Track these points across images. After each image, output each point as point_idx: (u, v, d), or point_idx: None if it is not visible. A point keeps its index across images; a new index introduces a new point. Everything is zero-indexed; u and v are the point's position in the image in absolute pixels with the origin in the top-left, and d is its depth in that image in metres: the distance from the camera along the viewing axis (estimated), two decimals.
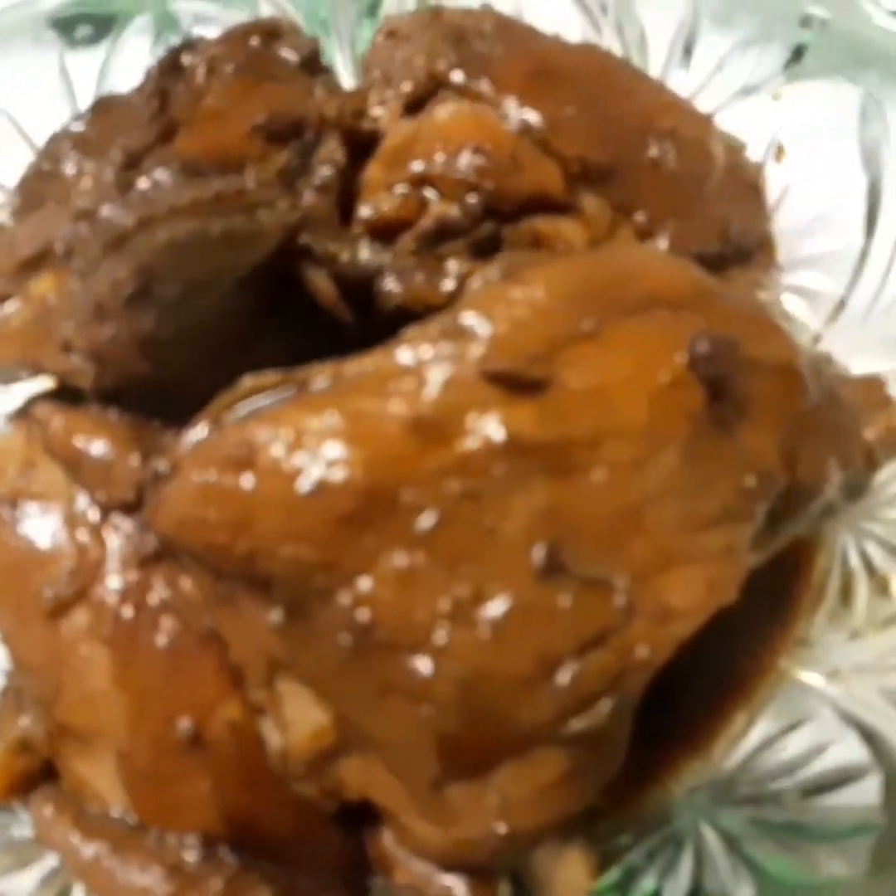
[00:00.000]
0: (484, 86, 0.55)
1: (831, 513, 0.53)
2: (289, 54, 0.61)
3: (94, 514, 0.45)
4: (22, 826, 0.48)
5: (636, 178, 0.55)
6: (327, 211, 0.51)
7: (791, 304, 0.66)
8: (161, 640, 0.43)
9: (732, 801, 0.50)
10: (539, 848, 0.44)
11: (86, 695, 0.44)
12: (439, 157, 0.54)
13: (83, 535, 0.45)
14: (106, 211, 0.46)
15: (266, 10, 0.71)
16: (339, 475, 0.39)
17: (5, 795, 0.46)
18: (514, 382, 0.41)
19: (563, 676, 0.39)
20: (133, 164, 0.52)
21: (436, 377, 0.41)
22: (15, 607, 0.45)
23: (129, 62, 0.67)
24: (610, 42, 0.71)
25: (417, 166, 0.54)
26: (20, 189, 0.57)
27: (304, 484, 0.39)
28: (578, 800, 0.42)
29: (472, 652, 0.39)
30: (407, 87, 0.56)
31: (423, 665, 0.39)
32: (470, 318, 0.42)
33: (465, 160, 0.53)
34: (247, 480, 0.39)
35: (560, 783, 0.41)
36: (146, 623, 0.44)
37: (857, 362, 0.57)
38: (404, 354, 0.42)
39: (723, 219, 0.57)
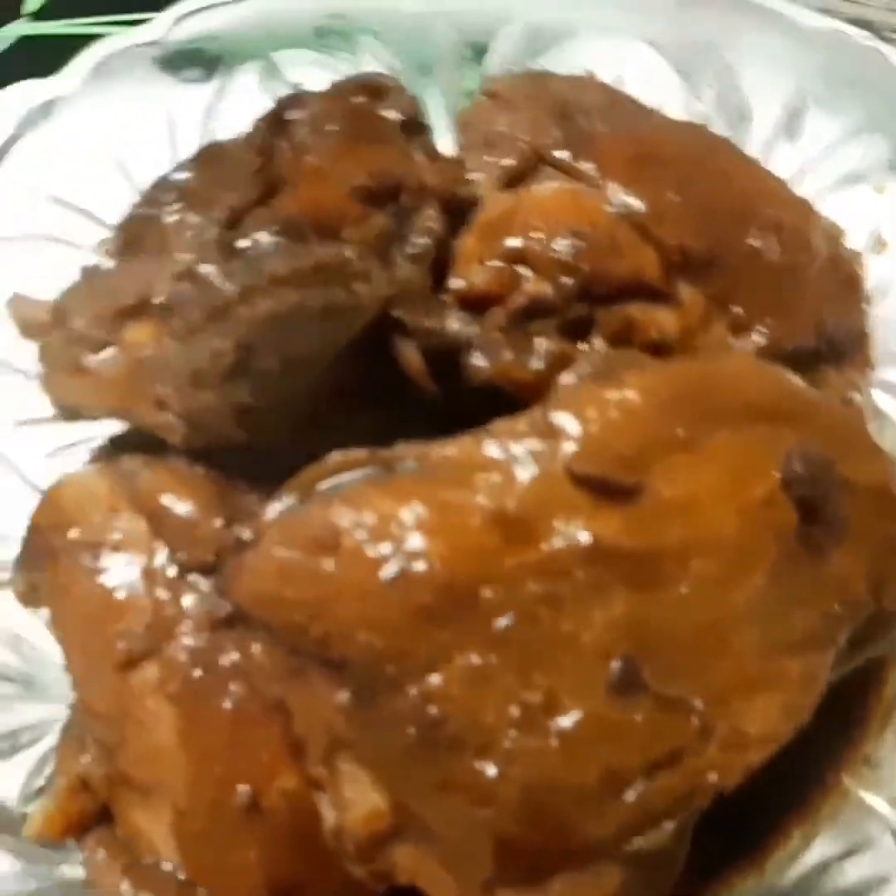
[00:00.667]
0: (587, 167, 0.55)
1: None
2: (391, 114, 0.62)
3: (172, 571, 0.45)
4: (74, 866, 0.48)
5: (734, 268, 0.54)
6: (420, 282, 0.52)
7: (883, 400, 0.65)
8: (227, 703, 0.44)
9: None
10: None
11: (149, 749, 0.44)
12: (536, 235, 0.54)
13: (161, 592, 0.45)
14: (209, 275, 0.47)
15: (367, 59, 0.72)
16: (419, 567, 0.39)
17: (62, 834, 0.47)
18: (603, 487, 0.40)
19: (630, 795, 0.38)
20: (235, 222, 0.53)
21: (523, 474, 0.41)
22: (87, 654, 0.46)
23: (234, 104, 0.68)
24: (711, 114, 0.70)
25: (513, 242, 0.54)
26: (120, 231, 0.58)
27: (385, 573, 0.39)
28: None
29: (538, 760, 0.38)
30: (509, 160, 0.56)
31: (488, 768, 0.38)
32: (561, 417, 0.42)
33: (563, 241, 0.53)
34: (328, 563, 0.39)
35: None
36: (214, 685, 0.44)
37: None
38: (492, 447, 0.42)
39: (819, 313, 0.56)
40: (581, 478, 0.40)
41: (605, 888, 0.40)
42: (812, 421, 0.44)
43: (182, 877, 0.44)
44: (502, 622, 0.39)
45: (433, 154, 0.61)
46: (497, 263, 0.55)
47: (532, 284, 0.54)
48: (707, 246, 0.53)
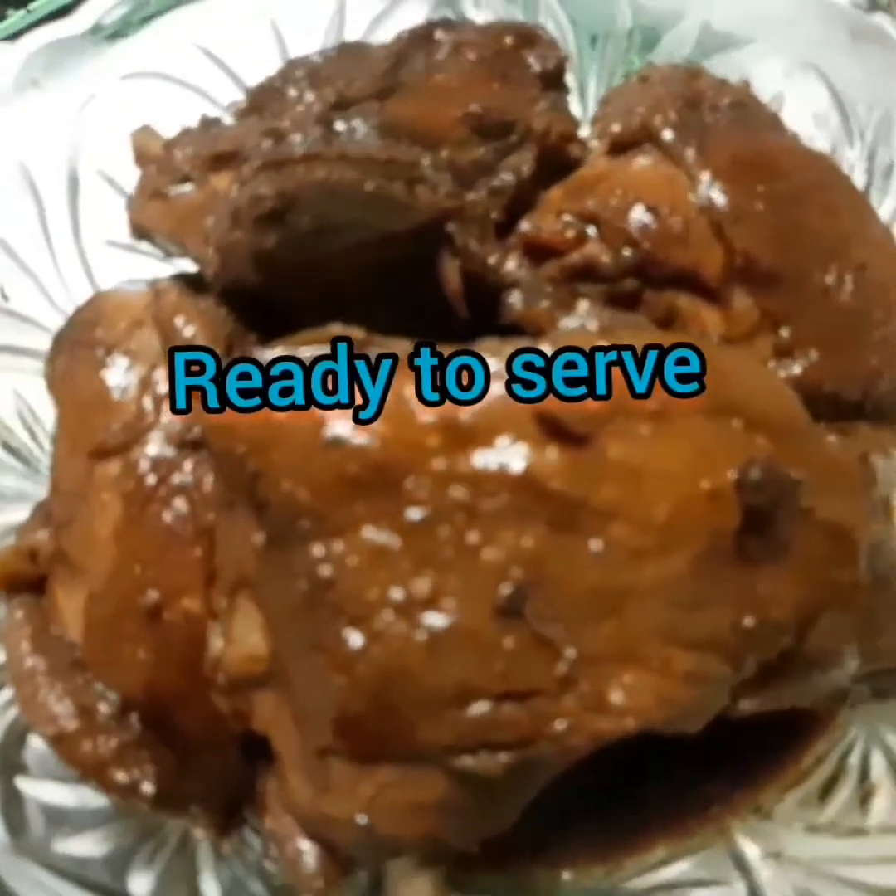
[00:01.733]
0: (689, 153, 0.54)
1: (844, 700, 0.50)
2: (534, 62, 0.63)
3: (163, 387, 0.48)
4: None
5: (799, 295, 0.53)
6: (484, 211, 0.53)
7: None
8: (167, 516, 0.47)
9: None
10: (397, 859, 0.44)
11: (89, 534, 0.48)
12: (614, 202, 0.54)
13: (147, 401, 0.48)
14: (289, 137, 0.50)
15: (543, 17, 0.73)
16: (359, 440, 0.41)
17: None
18: (554, 427, 0.41)
19: (473, 711, 0.39)
20: (342, 107, 0.56)
21: (487, 390, 0.42)
22: (69, 437, 0.50)
23: (402, 20, 0.71)
24: (856, 162, 0.68)
25: (591, 203, 0.55)
26: (249, 95, 0.62)
27: (326, 434, 0.41)
28: (444, 833, 0.42)
29: (401, 648, 0.39)
30: (616, 127, 0.57)
31: (355, 639, 0.40)
32: (545, 351, 0.43)
33: (637, 214, 0.53)
34: (280, 413, 0.41)
35: (432, 809, 0.41)
36: (162, 497, 0.47)
37: None
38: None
39: (875, 371, 0.54)
40: (539, 412, 0.41)
41: (425, 793, 0.41)
42: (796, 444, 0.43)
43: (77, 655, 0.48)
44: (417, 514, 0.40)
45: (562, 111, 0.63)
46: (570, 219, 0.56)
47: (593, 247, 0.54)
48: (776, 262, 0.52)
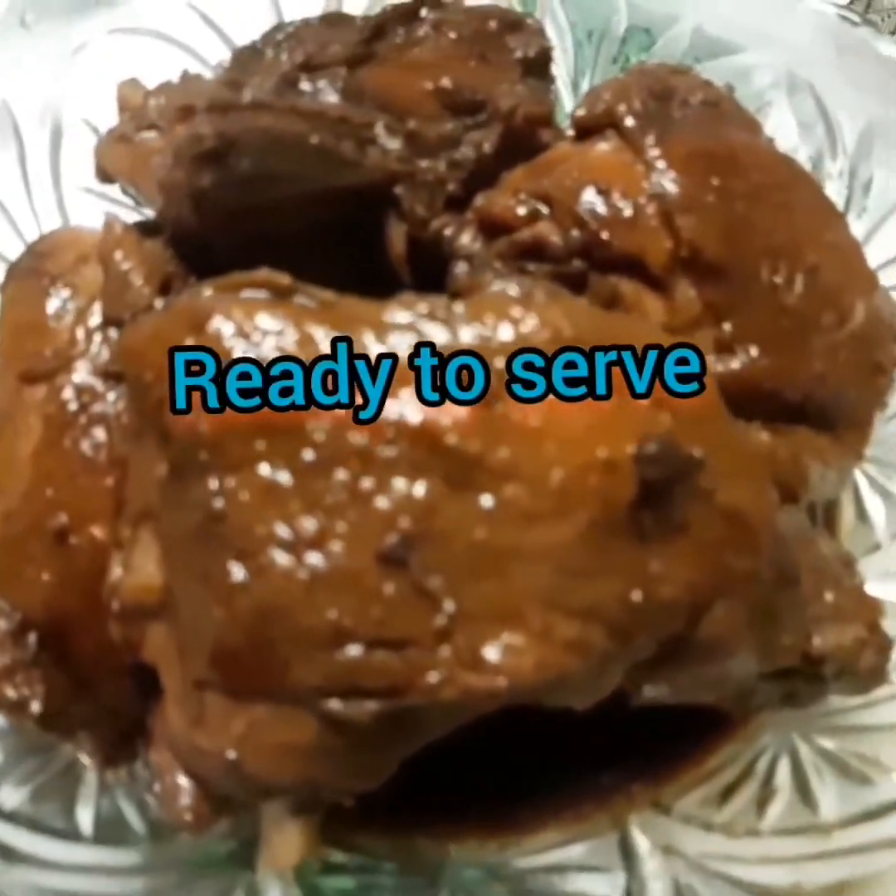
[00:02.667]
0: (648, 141, 0.54)
1: (749, 700, 0.49)
2: (517, 47, 0.64)
3: (96, 319, 0.49)
4: None
5: (745, 290, 0.53)
6: (437, 179, 0.53)
7: (873, 505, 0.61)
8: (84, 444, 0.48)
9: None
10: (269, 802, 0.44)
11: (9, 454, 0.48)
12: (568, 183, 0.54)
13: (80, 331, 0.49)
14: (244, 86, 0.50)
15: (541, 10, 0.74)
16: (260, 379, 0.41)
17: None
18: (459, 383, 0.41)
19: (345, 654, 0.39)
20: (310, 68, 0.56)
21: (395, 341, 0.42)
22: (4, 358, 0.51)
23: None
24: (837, 174, 0.68)
25: (547, 183, 0.55)
26: (233, 57, 0.63)
27: (231, 368, 0.41)
28: (314, 778, 0.42)
29: (281, 584, 0.40)
30: (580, 112, 0.57)
31: (238, 572, 0.40)
32: (458, 309, 0.43)
33: (588, 196, 0.53)
34: (188, 340, 0.42)
35: (300, 752, 0.41)
36: (81, 424, 0.48)
37: None
38: (386, 311, 0.43)
39: (818, 375, 0.54)
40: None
41: (295, 735, 0.41)
42: (699, 424, 0.43)
43: None
44: (313, 455, 0.41)
45: (537, 95, 0.63)
46: (524, 198, 0.56)
47: (543, 226, 0.55)
48: (723, 255, 0.52)
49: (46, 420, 0.48)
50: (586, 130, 0.57)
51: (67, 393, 0.48)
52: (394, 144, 0.51)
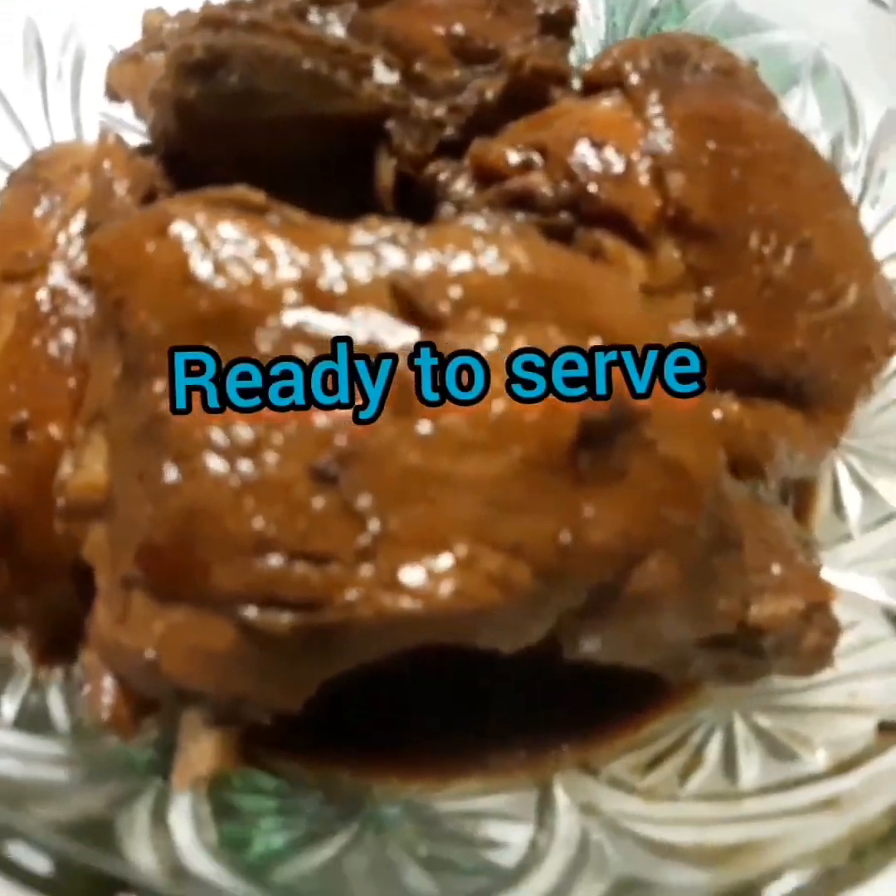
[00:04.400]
0: (651, 99, 0.54)
1: (686, 667, 0.48)
2: (539, 3, 0.63)
3: (79, 225, 0.50)
4: None
5: (730, 257, 0.52)
6: (432, 119, 0.53)
7: (849, 496, 0.60)
8: (52, 344, 0.48)
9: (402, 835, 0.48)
10: (189, 710, 0.45)
11: None
12: (565, 136, 0.54)
13: (62, 236, 0.50)
14: (252, 11, 0.51)
15: None
16: (219, 283, 0.41)
17: None
18: (409, 308, 0.41)
19: (265, 563, 0.39)
20: (321, 2, 0.56)
21: (353, 261, 0.42)
22: None
23: None
24: (855, 163, 0.67)
25: (545, 135, 0.55)
26: None
27: (187, 271, 0.42)
28: (229, 687, 0.42)
29: (212, 488, 0.40)
30: (586, 67, 0.56)
31: (172, 473, 0.40)
32: (421, 237, 0.43)
33: (582, 150, 0.53)
34: (151, 244, 0.42)
35: (218, 658, 0.41)
36: (52, 325, 0.49)
37: None
38: (351, 233, 0.43)
39: (797, 352, 0.53)
40: (397, 289, 0.41)
41: (214, 640, 0.41)
42: None
43: None
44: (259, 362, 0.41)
45: (550, 51, 0.63)
46: (521, 147, 0.55)
47: (535, 176, 0.54)
48: (710, 218, 0.51)
49: (19, 318, 0.49)
50: (593, 86, 0.57)
51: (42, 294, 0.49)
52: (390, 79, 0.51)
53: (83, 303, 0.49)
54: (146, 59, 0.56)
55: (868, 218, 0.64)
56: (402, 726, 0.52)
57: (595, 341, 0.42)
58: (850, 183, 0.66)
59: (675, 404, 0.43)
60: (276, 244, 0.42)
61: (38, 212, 0.51)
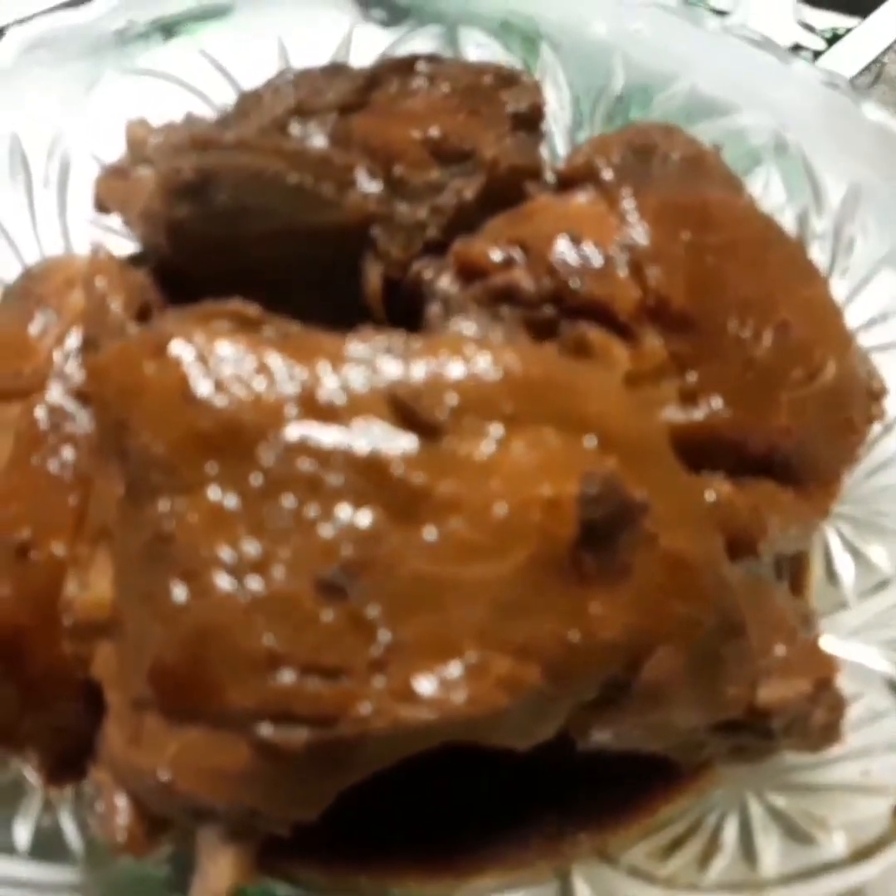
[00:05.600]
0: (624, 193, 0.56)
1: (698, 751, 0.49)
2: (508, 102, 0.66)
3: (75, 341, 0.51)
4: None
5: (711, 342, 0.54)
6: (415, 223, 0.55)
7: (842, 563, 0.61)
8: (52, 462, 0.49)
9: None
10: (205, 827, 0.44)
11: None
12: (545, 231, 0.56)
13: (59, 354, 0.51)
14: (232, 127, 0.52)
15: (541, 70, 0.76)
16: (219, 401, 0.42)
17: None
18: (408, 415, 0.42)
19: (278, 680, 0.39)
20: (302, 113, 0.58)
21: (351, 374, 0.43)
22: None
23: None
24: (822, 234, 0.69)
25: (523, 231, 0.56)
26: (236, 101, 0.66)
27: (188, 390, 0.42)
28: (245, 803, 0.42)
29: (220, 606, 0.40)
30: (562, 165, 0.58)
31: (180, 592, 0.41)
32: (415, 347, 0.44)
33: (561, 245, 0.55)
34: (149, 365, 0.43)
35: (233, 776, 0.41)
36: (51, 442, 0.49)
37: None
38: (346, 344, 0.44)
39: (783, 429, 0.54)
40: (394, 399, 0.42)
41: (229, 758, 0.41)
42: (645, 468, 0.43)
43: None
44: (262, 480, 0.42)
45: (524, 147, 0.65)
46: (501, 244, 0.57)
47: (517, 272, 0.56)
48: (689, 306, 0.53)
49: (17, 437, 0.49)
50: (567, 182, 0.59)
51: (39, 412, 0.49)
52: (373, 188, 0.53)
53: (82, 419, 0.49)
54: (133, 174, 0.58)
55: (839, 288, 0.67)
56: (415, 825, 0.52)
57: (589, 438, 0.43)
58: (819, 254, 0.68)
59: (674, 494, 0.44)
60: (274, 360, 0.43)
61: (33, 328, 0.52)
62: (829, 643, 0.52)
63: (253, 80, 0.73)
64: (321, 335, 0.46)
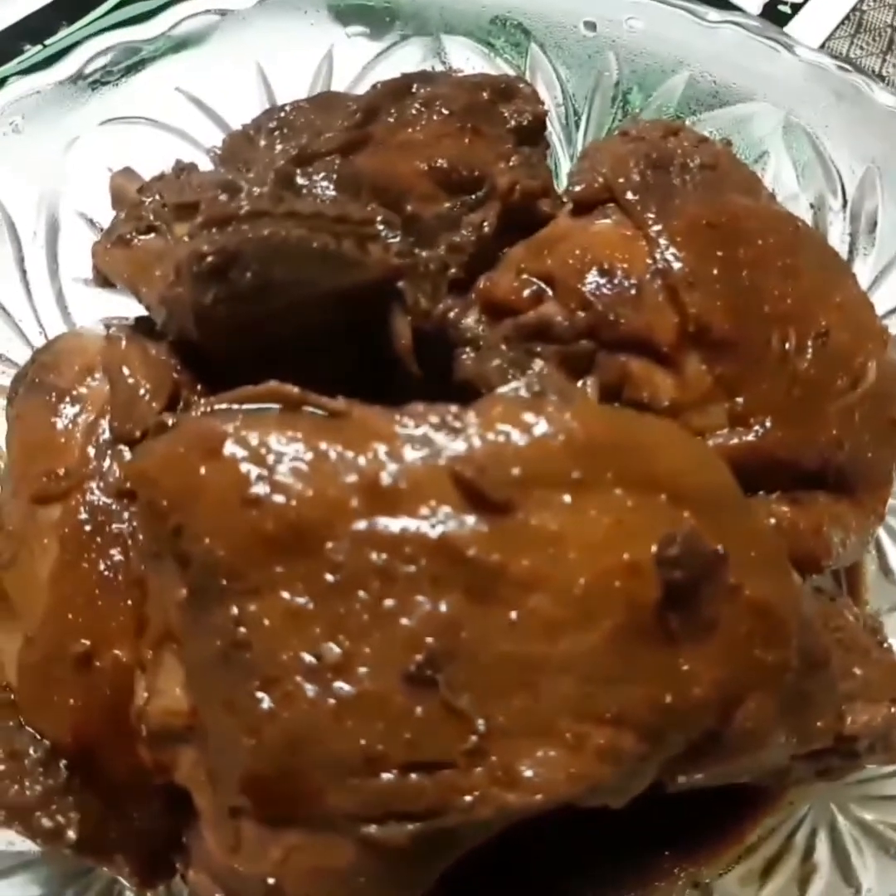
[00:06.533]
0: (649, 215, 0.54)
1: (786, 777, 0.49)
2: (511, 116, 0.64)
3: (106, 435, 0.49)
4: None
5: (755, 362, 0.53)
6: (438, 267, 0.53)
7: (895, 557, 0.61)
8: (102, 565, 0.47)
9: None
10: None
11: (28, 577, 0.48)
12: (571, 262, 0.54)
13: (91, 449, 0.49)
14: (241, 192, 0.50)
15: (531, 70, 0.74)
16: (279, 499, 0.41)
17: None
18: (475, 494, 0.41)
19: (379, 782, 0.39)
20: (304, 161, 0.56)
21: (411, 455, 0.42)
22: (17, 478, 0.51)
23: (390, 71, 0.71)
24: (837, 219, 0.68)
25: (549, 262, 0.55)
26: (226, 142, 0.63)
27: (247, 492, 0.41)
28: None
29: (309, 712, 0.39)
30: (579, 188, 0.57)
31: (265, 701, 0.40)
32: (469, 418, 0.42)
33: (592, 276, 0.53)
34: (203, 466, 0.42)
35: (339, 875, 0.40)
36: (98, 546, 0.47)
37: None
38: (398, 424, 0.43)
39: (834, 440, 0.53)
40: (458, 478, 0.41)
41: (334, 859, 0.40)
42: (719, 518, 0.42)
43: (11, 697, 0.48)
44: (333, 577, 0.40)
45: (535, 166, 0.63)
46: (527, 278, 0.55)
47: (548, 307, 0.54)
48: (731, 329, 0.52)
49: (62, 542, 0.48)
50: (586, 204, 0.57)
51: (82, 514, 0.48)
52: (394, 239, 0.51)
53: (125, 517, 0.48)
54: (135, 243, 0.55)
55: (862, 272, 0.66)
56: (509, 879, 0.52)
57: (661, 495, 0.42)
58: (838, 239, 0.67)
59: (749, 538, 0.43)
60: (330, 449, 0.42)
61: (59, 424, 0.50)
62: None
63: (234, 110, 0.71)
64: (367, 411, 0.44)
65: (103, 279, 0.57)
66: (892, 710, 0.47)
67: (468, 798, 0.39)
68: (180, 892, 0.49)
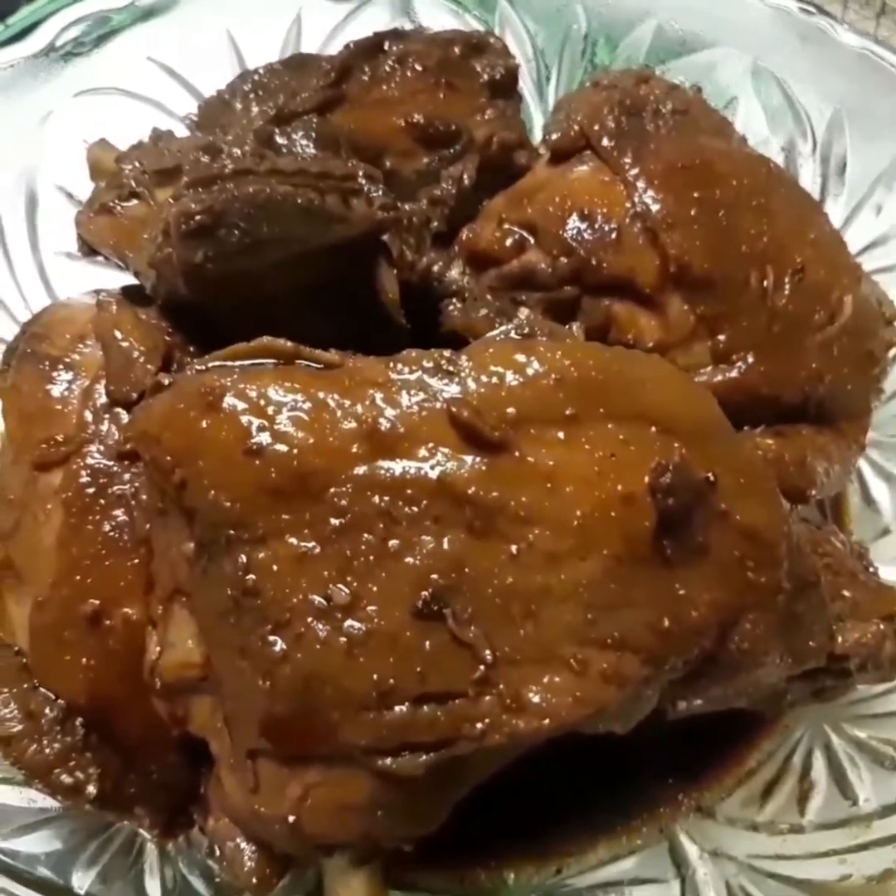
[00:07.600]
0: (625, 160, 0.55)
1: (782, 700, 0.50)
2: (483, 70, 0.64)
3: (103, 399, 0.50)
4: None
5: (736, 299, 0.54)
6: (422, 221, 0.54)
7: (878, 490, 0.63)
8: (107, 526, 0.48)
9: None
10: (332, 857, 0.45)
11: (33, 542, 0.49)
12: (552, 210, 0.55)
13: (88, 413, 0.50)
14: (223, 152, 0.51)
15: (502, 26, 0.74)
16: (280, 448, 0.42)
17: None
18: (472, 435, 0.42)
19: (392, 715, 0.40)
20: (283, 121, 0.57)
21: (407, 400, 0.43)
22: (15, 447, 0.51)
23: (360, 31, 0.71)
24: (808, 160, 0.69)
25: (530, 211, 0.56)
26: (201, 108, 0.63)
27: (249, 443, 0.42)
28: (373, 832, 0.43)
29: (322, 652, 0.40)
30: (555, 137, 0.57)
31: (278, 644, 0.41)
32: (463, 362, 0.43)
33: (573, 223, 0.54)
34: (204, 420, 0.42)
35: (357, 809, 0.42)
36: (102, 508, 0.48)
37: None
38: (393, 370, 0.44)
39: (815, 374, 0.55)
40: (455, 419, 0.42)
41: (351, 793, 0.42)
42: (707, 446, 0.44)
43: (24, 661, 0.49)
44: (338, 521, 0.41)
45: (510, 119, 0.63)
46: (509, 228, 0.56)
47: (531, 255, 0.55)
48: (710, 268, 0.53)
49: (66, 506, 0.48)
50: (562, 152, 0.58)
51: (84, 477, 0.48)
52: (377, 192, 0.52)
53: (127, 478, 0.48)
54: (118, 210, 0.55)
55: (834, 213, 0.67)
56: (518, 811, 0.54)
57: (651, 427, 0.43)
58: (809, 181, 0.68)
59: (737, 465, 0.44)
60: (328, 398, 0.43)
61: (55, 391, 0.51)
62: (883, 572, 0.53)
63: (206, 78, 0.71)
64: (362, 361, 0.45)
65: (88, 248, 0.57)
66: (882, 627, 0.48)
67: (479, 726, 0.41)
68: (200, 843, 0.49)
